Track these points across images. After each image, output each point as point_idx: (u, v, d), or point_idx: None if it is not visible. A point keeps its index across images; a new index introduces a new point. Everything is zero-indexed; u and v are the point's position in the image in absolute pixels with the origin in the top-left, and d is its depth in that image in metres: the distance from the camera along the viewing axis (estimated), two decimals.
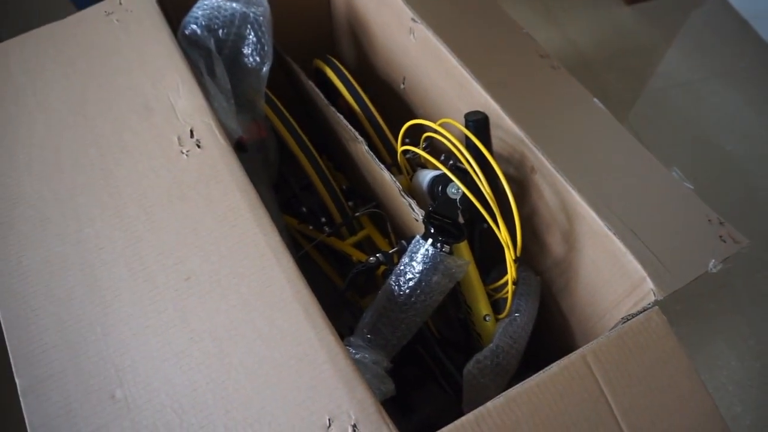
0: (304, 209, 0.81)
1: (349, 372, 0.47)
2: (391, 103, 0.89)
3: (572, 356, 0.49)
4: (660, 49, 1.60)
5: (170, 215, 0.60)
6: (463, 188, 0.56)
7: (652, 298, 0.53)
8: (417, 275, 0.57)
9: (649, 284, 0.53)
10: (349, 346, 0.58)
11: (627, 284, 0.56)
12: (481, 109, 0.67)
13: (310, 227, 0.79)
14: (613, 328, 0.53)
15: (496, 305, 0.67)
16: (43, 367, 0.51)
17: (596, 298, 0.62)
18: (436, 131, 0.62)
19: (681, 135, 1.41)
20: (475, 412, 0.46)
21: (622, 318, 0.52)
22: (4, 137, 0.65)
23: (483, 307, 0.65)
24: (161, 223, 0.59)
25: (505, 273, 0.68)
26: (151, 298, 0.55)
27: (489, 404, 0.46)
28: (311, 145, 0.77)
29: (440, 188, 0.60)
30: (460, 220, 0.64)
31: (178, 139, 0.65)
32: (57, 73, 0.70)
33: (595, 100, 0.76)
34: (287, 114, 0.78)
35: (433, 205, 0.59)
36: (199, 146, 0.64)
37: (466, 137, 0.62)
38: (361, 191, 0.83)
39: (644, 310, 0.52)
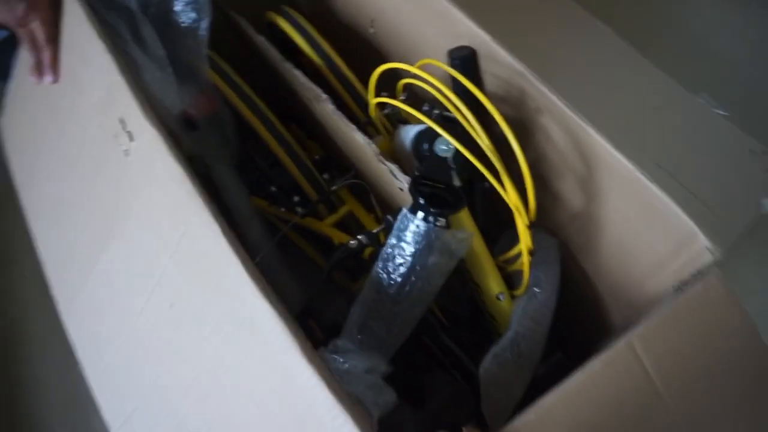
0: (273, 189, 0.70)
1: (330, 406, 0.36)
2: (361, 52, 0.75)
3: (618, 345, 0.38)
4: None
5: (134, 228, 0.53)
6: (453, 142, 0.44)
7: (709, 258, 0.41)
8: (408, 258, 0.45)
9: (702, 241, 0.42)
10: (336, 353, 0.47)
11: (671, 241, 0.45)
12: (467, 43, 0.54)
13: (282, 209, 0.67)
14: (662, 302, 0.41)
15: (510, 280, 0.56)
16: None
17: (629, 259, 0.51)
18: (414, 76, 0.50)
19: (675, 42, 1.25)
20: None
21: (674, 287, 0.41)
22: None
23: (494, 285, 0.54)
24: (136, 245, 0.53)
25: (517, 240, 0.57)
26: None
27: (518, 422, 0.35)
28: (270, 112, 0.65)
29: (426, 146, 0.48)
30: (456, 182, 0.52)
31: (115, 137, 0.53)
32: None
33: (599, 22, 0.63)
34: (238, 79, 0.66)
35: (420, 169, 0.47)
36: (132, 140, 0.52)
37: (453, 79, 0.50)
38: (337, 161, 0.71)
39: (700, 275, 0.41)
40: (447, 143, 0.47)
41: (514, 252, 0.52)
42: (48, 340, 0.97)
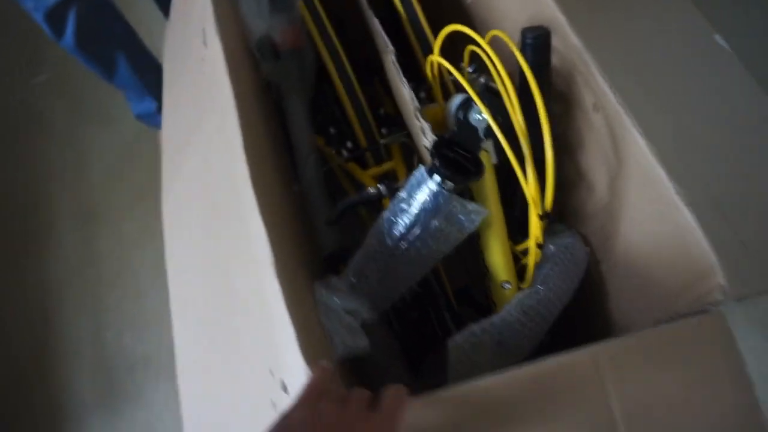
0: (332, 130, 0.72)
1: (283, 319, 0.38)
2: (456, 22, 0.74)
3: (580, 352, 0.36)
4: None
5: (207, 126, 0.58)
6: (484, 110, 0.43)
7: (719, 298, 0.38)
8: (413, 215, 0.46)
9: (718, 278, 0.38)
10: (326, 288, 0.49)
11: (691, 271, 0.41)
12: (545, 23, 0.52)
13: (333, 151, 0.69)
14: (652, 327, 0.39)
15: (523, 273, 0.54)
16: None
17: (644, 275, 0.47)
18: (476, 44, 0.49)
19: None
20: (427, 396, 0.35)
21: (670, 316, 0.38)
22: None
23: (502, 271, 0.53)
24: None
25: (548, 234, 0.55)
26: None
27: (444, 392, 0.35)
28: (345, 57, 0.66)
29: (462, 113, 0.47)
30: (493, 160, 0.51)
31: (203, 43, 0.58)
32: None
33: (717, 36, 0.58)
34: (326, 19, 0.68)
35: (449, 133, 0.47)
36: (206, 47, 0.56)
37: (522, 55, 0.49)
38: (401, 120, 0.71)
39: (702, 311, 0.38)
40: (482, 114, 0.46)
41: (526, 244, 0.50)
42: (80, 312, 1.05)
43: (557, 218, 0.59)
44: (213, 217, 0.57)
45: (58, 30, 0.99)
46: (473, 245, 0.54)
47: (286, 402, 0.40)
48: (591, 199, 0.54)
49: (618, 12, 0.55)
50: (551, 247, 0.53)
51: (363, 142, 0.67)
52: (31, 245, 1.13)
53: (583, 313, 0.57)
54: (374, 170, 0.66)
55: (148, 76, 1.17)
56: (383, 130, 0.69)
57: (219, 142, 0.53)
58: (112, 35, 1.09)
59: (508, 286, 0.53)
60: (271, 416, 0.42)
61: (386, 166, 0.66)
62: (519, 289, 0.53)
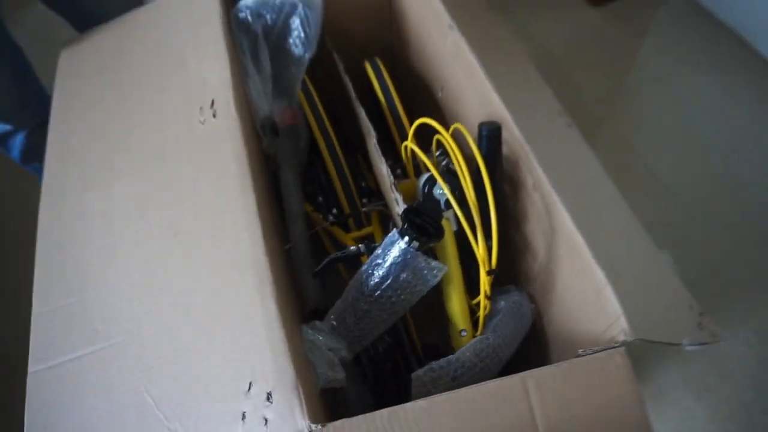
0: (320, 199, 0.83)
1: (278, 339, 0.47)
2: (430, 111, 0.88)
3: (513, 377, 0.46)
4: (629, 46, 1.59)
5: (181, 179, 0.64)
6: (444, 187, 0.55)
7: (621, 338, 0.48)
8: (386, 268, 0.56)
9: (623, 323, 0.48)
10: (311, 329, 0.58)
11: (604, 321, 0.52)
12: (496, 118, 0.65)
13: (321, 216, 0.80)
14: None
15: (478, 324, 0.64)
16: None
17: (572, 325, 0.57)
18: (443, 134, 0.61)
19: (661, 127, 1.41)
20: (390, 409, 0.44)
21: (581, 350, 0.48)
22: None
23: (460, 321, 0.62)
24: (170, 184, 0.65)
25: (501, 293, 0.65)
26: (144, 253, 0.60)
27: (408, 405, 0.44)
28: (335, 138, 0.79)
29: (427, 187, 0.58)
30: (453, 227, 0.62)
31: (201, 109, 0.69)
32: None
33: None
34: (319, 104, 0.80)
35: (416, 203, 0.58)
36: (214, 116, 0.67)
37: (478, 142, 0.61)
38: (380, 192, 0.83)
39: (610, 347, 0.48)
40: (442, 189, 0.57)
41: (478, 298, 0.60)
42: None
43: (509, 281, 0.70)
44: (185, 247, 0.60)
45: (7, 149, 1.07)
46: (440, 302, 0.64)
47: (263, 411, 0.47)
48: (535, 263, 0.65)
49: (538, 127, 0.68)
50: (502, 302, 0.64)
51: (346, 209, 0.78)
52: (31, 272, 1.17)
53: (529, 359, 0.67)
54: (355, 233, 0.77)
55: None
56: (364, 200, 0.81)
57: (223, 198, 0.60)
58: None
59: (464, 333, 0.62)
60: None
61: (366, 230, 0.77)
62: (474, 336, 0.63)
